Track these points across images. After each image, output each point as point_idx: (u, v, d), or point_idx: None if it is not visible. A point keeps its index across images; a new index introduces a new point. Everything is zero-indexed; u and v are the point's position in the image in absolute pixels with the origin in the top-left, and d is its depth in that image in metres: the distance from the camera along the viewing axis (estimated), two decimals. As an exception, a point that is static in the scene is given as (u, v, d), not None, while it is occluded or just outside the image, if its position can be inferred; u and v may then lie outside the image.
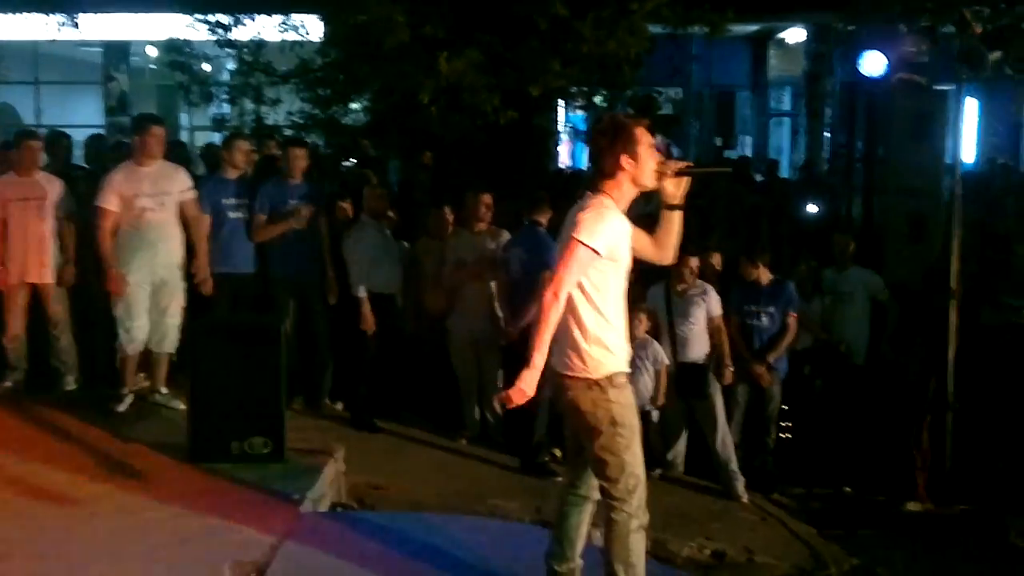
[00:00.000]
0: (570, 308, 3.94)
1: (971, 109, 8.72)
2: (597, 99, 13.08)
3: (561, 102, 12.78)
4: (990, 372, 7.44)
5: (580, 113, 14.20)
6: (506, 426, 7.29)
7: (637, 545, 4.02)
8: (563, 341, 3.99)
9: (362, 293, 7.15)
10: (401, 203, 8.62)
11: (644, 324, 7.00)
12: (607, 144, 3.99)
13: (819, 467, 7.49)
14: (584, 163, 16.00)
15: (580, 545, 4.25)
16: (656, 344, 7.01)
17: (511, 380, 3.97)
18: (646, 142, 3.99)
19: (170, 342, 6.80)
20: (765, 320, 7.34)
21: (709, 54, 16.41)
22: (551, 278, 3.89)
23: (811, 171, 14.17)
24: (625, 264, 4.01)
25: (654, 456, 6.63)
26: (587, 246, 3.85)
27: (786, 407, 7.61)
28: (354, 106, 11.66)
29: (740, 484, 6.88)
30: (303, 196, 7.31)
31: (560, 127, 14.78)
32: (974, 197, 9.37)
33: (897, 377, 7.63)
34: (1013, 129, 15.82)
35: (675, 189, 4.05)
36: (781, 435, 7.58)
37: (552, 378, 4.07)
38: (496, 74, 9.40)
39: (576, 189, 11.63)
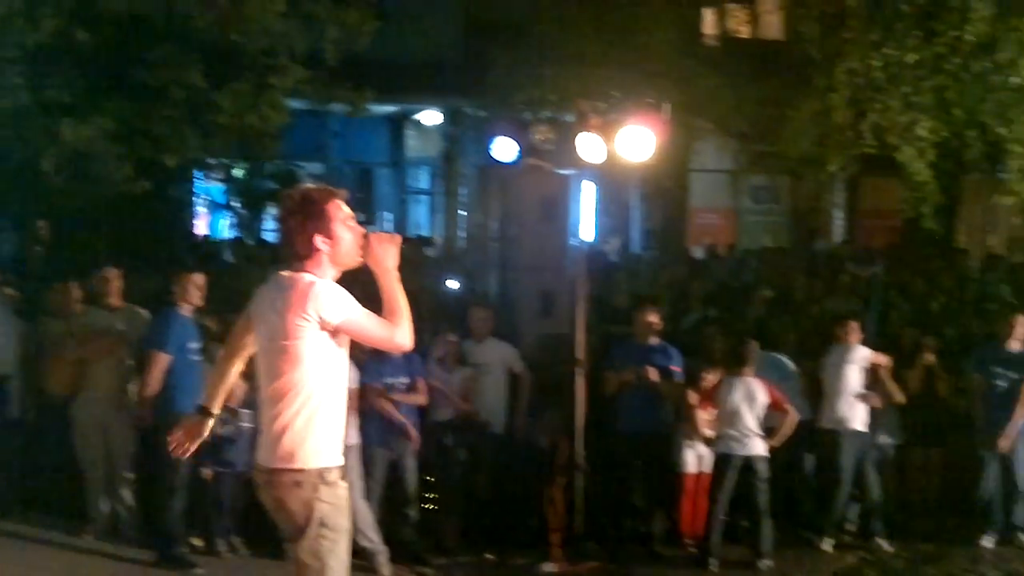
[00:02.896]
0: (288, 391, 3.67)
1: (590, 192, 9.51)
2: (236, 171, 12.89)
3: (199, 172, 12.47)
4: (613, 435, 8.00)
5: (219, 184, 13.94)
6: (139, 517, 6.83)
7: None
8: (274, 429, 3.69)
9: None
10: (20, 277, 7.94)
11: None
12: (297, 224, 3.73)
13: (463, 535, 7.68)
14: (221, 232, 15.61)
15: None
16: None
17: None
18: (341, 217, 3.75)
19: None
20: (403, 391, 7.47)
21: (349, 131, 16.68)
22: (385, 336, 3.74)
23: (449, 248, 14.75)
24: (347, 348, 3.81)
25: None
26: (356, 315, 3.68)
27: (430, 478, 7.77)
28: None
29: (382, 557, 6.89)
30: None
31: (197, 198, 14.41)
32: (595, 275, 10.19)
33: (531, 444, 8.02)
34: (624, 210, 17.42)
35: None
36: (425, 506, 7.70)
37: (257, 474, 3.79)
38: (128, 143, 8.99)
39: (215, 259, 11.29)
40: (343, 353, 3.79)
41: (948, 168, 13.04)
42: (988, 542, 8.04)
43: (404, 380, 7.47)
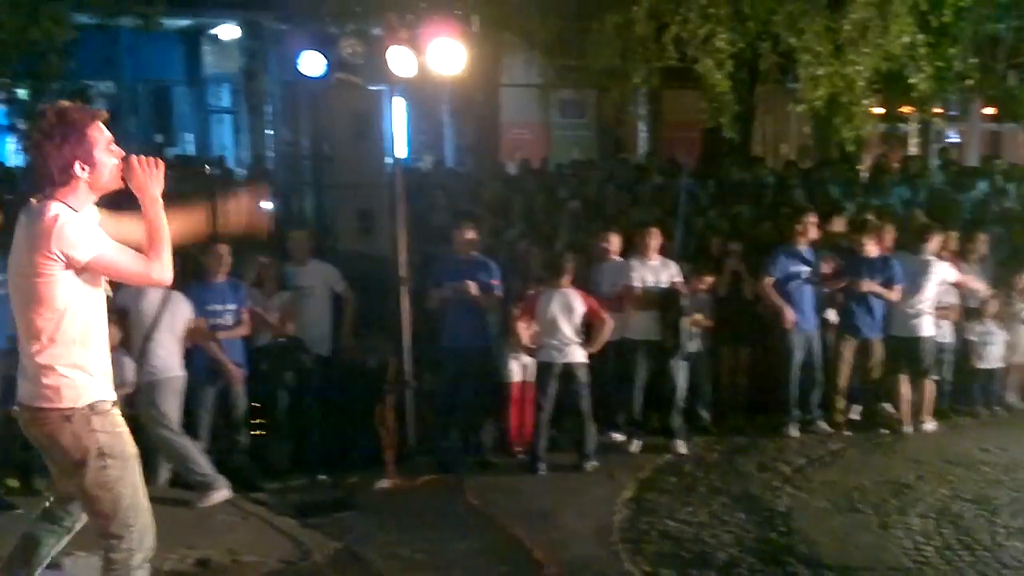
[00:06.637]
0: (42, 331, 3.52)
1: (401, 108, 9.38)
2: (21, 91, 12.02)
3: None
4: (439, 350, 8.07)
5: (1, 105, 12.95)
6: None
7: None
8: (34, 368, 3.54)
9: None
10: None
11: (113, 337, 6.67)
12: (54, 149, 3.50)
13: (296, 459, 7.63)
14: (8, 159, 14.57)
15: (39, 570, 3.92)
16: (124, 359, 6.70)
17: None
18: (102, 142, 3.58)
19: None
20: (228, 318, 7.31)
21: (142, 47, 15.78)
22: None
23: (259, 168, 14.26)
24: (104, 280, 3.66)
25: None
26: (106, 252, 3.53)
27: (257, 404, 7.64)
28: None
29: (217, 492, 6.71)
30: None
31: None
32: (412, 192, 10.12)
33: (360, 363, 7.99)
34: (437, 127, 17.33)
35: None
36: (254, 433, 7.58)
37: (19, 411, 3.64)
38: None
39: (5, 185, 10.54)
40: (97, 291, 3.66)
41: (744, 79, 13.62)
42: (793, 431, 8.66)
43: (231, 307, 7.30)
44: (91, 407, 3.59)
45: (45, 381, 3.54)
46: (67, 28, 10.15)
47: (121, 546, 3.67)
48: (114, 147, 3.65)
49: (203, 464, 6.74)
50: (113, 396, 3.73)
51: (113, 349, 6.55)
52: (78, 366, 3.58)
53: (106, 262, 3.54)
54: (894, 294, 8.64)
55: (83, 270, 3.53)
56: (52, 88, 11.80)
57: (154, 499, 6.45)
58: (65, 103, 3.68)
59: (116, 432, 3.64)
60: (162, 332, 6.80)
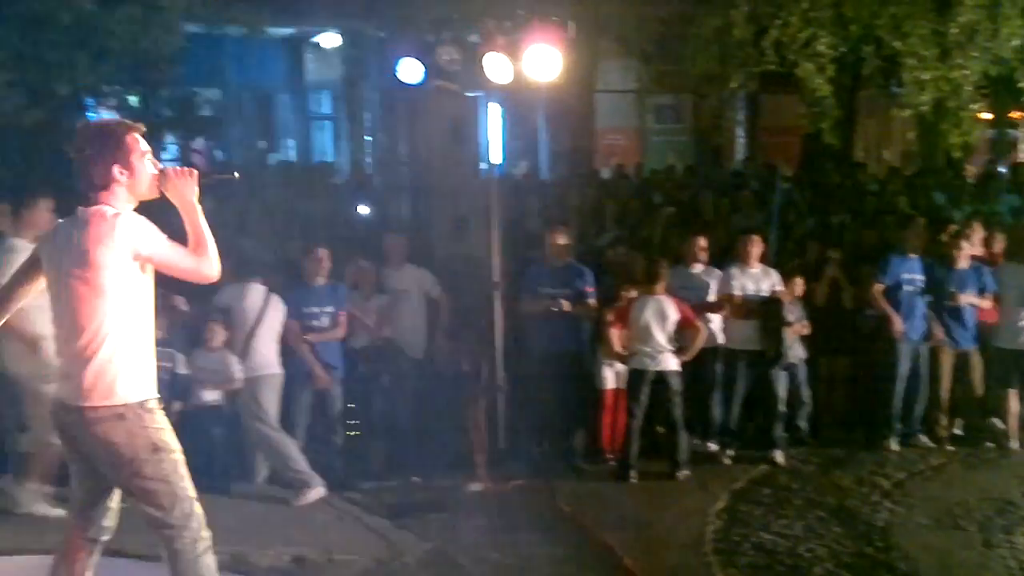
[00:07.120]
0: (94, 325, 3.66)
1: (496, 114, 9.43)
2: (131, 98, 12.42)
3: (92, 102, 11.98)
4: (532, 355, 8.10)
5: (113, 113, 13.41)
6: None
7: (207, 567, 3.85)
8: (81, 366, 3.67)
9: None
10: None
11: (220, 336, 6.89)
12: (95, 154, 3.74)
13: (389, 460, 7.74)
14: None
15: None
16: (231, 357, 6.92)
17: None
18: (140, 150, 3.80)
19: None
20: (326, 321, 7.46)
21: (246, 55, 16.19)
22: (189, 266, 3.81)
23: (358, 174, 14.50)
24: (152, 278, 3.84)
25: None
26: (164, 247, 3.73)
27: (352, 405, 7.77)
28: None
29: (311, 490, 6.83)
30: None
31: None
32: (506, 197, 10.19)
33: (453, 366, 8.06)
34: (532, 133, 17.38)
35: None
36: (349, 433, 7.71)
37: (62, 413, 3.75)
38: (18, 70, 8.58)
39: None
40: (148, 288, 3.81)
41: (845, 83, 13.35)
42: (894, 444, 8.40)
43: (328, 309, 7.44)
44: (141, 404, 3.73)
45: (96, 379, 3.66)
46: (177, 37, 10.45)
47: (185, 535, 3.78)
48: (151, 158, 3.87)
49: (300, 461, 6.88)
50: (157, 395, 3.85)
51: (219, 348, 6.87)
52: (128, 363, 3.71)
53: (163, 255, 3.74)
54: (986, 302, 8.40)
55: (144, 262, 3.71)
56: (161, 95, 12.22)
57: (252, 496, 6.78)
58: (107, 118, 3.93)
59: (165, 428, 3.80)
60: (263, 330, 6.98)
